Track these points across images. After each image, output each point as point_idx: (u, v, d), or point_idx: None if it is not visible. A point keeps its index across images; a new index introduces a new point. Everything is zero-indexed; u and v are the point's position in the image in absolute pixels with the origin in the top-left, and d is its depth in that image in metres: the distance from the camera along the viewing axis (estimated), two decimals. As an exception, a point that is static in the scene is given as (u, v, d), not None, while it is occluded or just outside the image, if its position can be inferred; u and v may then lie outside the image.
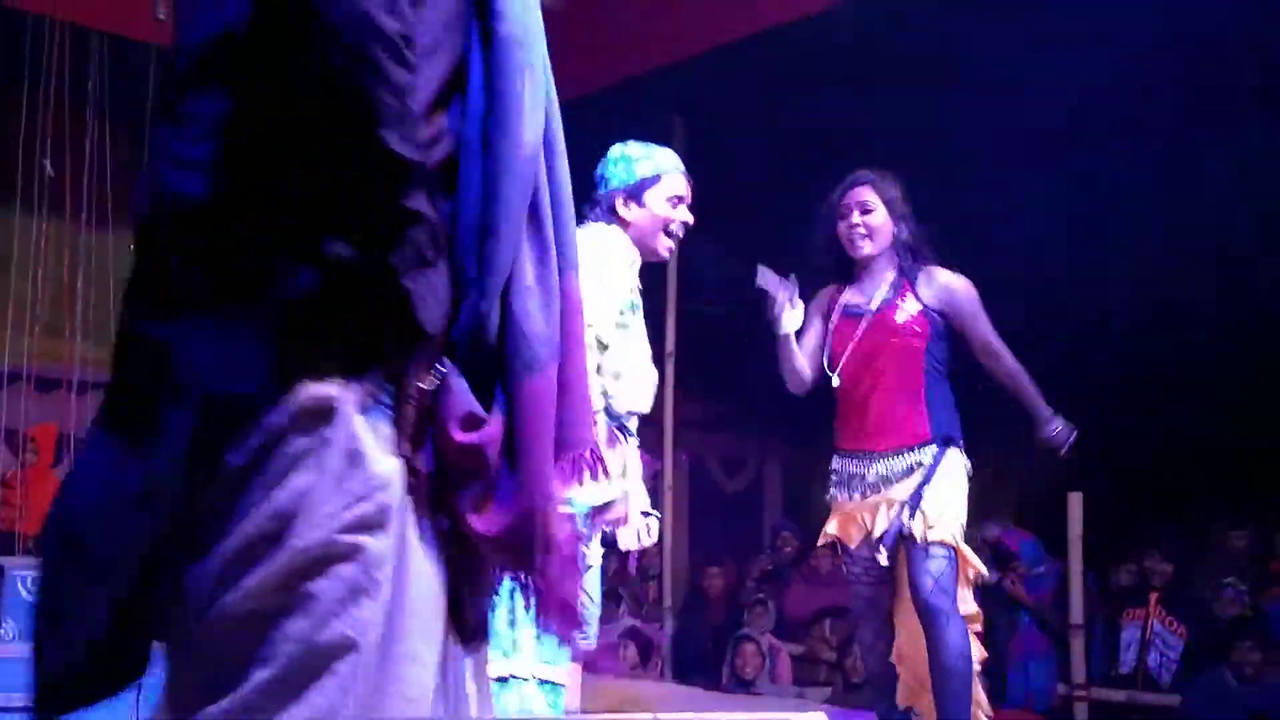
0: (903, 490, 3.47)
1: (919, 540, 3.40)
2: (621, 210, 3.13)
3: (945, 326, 3.59)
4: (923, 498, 3.42)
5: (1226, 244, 5.93)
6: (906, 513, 3.42)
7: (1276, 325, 6.37)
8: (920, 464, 3.47)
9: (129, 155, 5.34)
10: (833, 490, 3.62)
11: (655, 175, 3.15)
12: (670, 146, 5.47)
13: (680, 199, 3.17)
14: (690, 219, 3.20)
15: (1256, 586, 6.08)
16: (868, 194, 3.59)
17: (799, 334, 3.64)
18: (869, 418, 3.54)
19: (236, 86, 1.20)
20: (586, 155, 5.48)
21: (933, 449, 3.48)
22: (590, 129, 5.24)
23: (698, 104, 5.31)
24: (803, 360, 3.63)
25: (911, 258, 3.63)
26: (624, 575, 8.01)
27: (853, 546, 3.58)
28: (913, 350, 3.54)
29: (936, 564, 3.38)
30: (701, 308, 6.64)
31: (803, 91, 4.98)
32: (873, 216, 3.59)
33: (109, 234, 5.43)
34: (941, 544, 3.40)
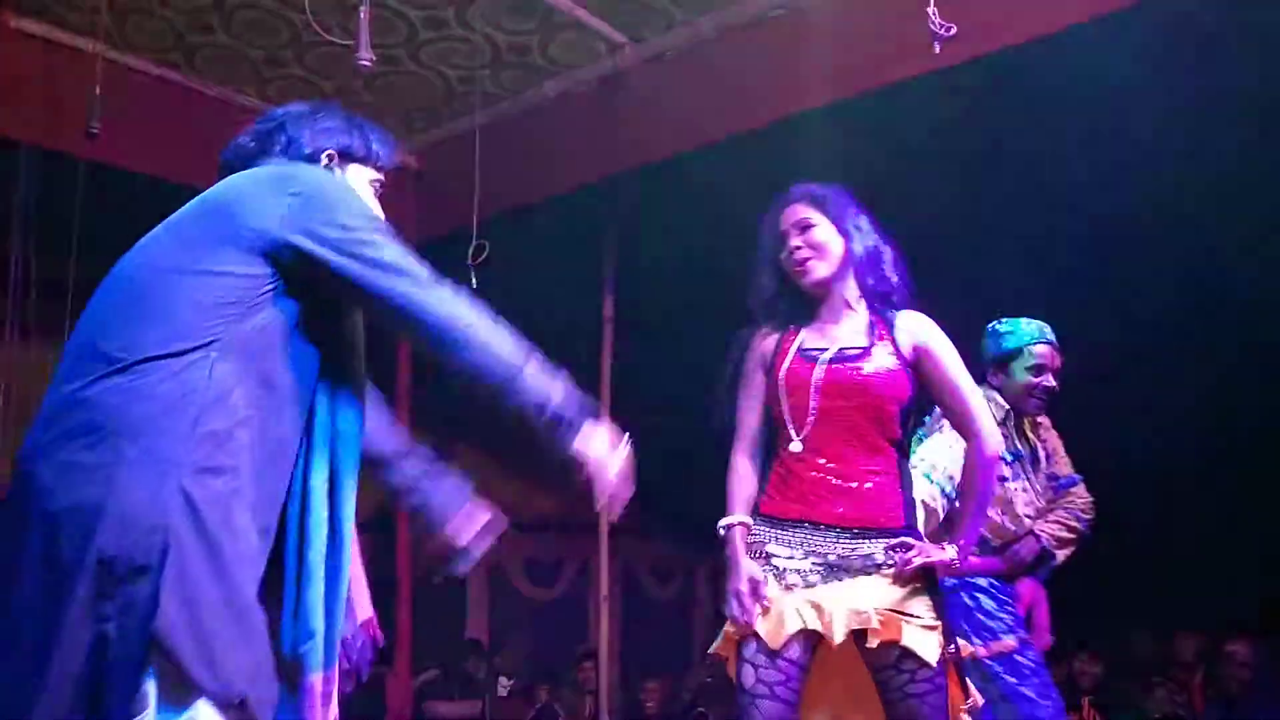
0: (875, 590, 2.67)
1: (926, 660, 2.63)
2: (991, 378, 3.72)
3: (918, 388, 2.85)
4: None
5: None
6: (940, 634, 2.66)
7: (1196, 447, 6.59)
8: (880, 560, 2.70)
9: (54, 272, 5.30)
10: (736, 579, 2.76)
11: (1018, 348, 3.71)
12: (603, 257, 5.54)
13: (1042, 368, 3.69)
14: (1051, 384, 3.70)
15: (1179, 687, 6.21)
16: (804, 209, 2.91)
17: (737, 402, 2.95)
18: (830, 485, 2.75)
19: None
20: (530, 262, 5.57)
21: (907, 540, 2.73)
22: (530, 237, 5.36)
23: (631, 216, 5.42)
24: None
25: (882, 292, 2.90)
26: (558, 691, 7.91)
27: (777, 648, 2.67)
28: (886, 415, 2.78)
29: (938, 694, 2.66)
30: (635, 417, 6.66)
31: (736, 205, 5.09)
32: (816, 232, 2.88)
33: (28, 352, 5.34)
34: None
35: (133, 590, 1.72)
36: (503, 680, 8.22)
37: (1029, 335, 3.75)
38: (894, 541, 2.71)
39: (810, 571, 2.72)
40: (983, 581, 3.67)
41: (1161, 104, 4.57)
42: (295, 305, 1.99)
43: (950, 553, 2.73)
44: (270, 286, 1.96)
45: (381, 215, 2.21)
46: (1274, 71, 4.37)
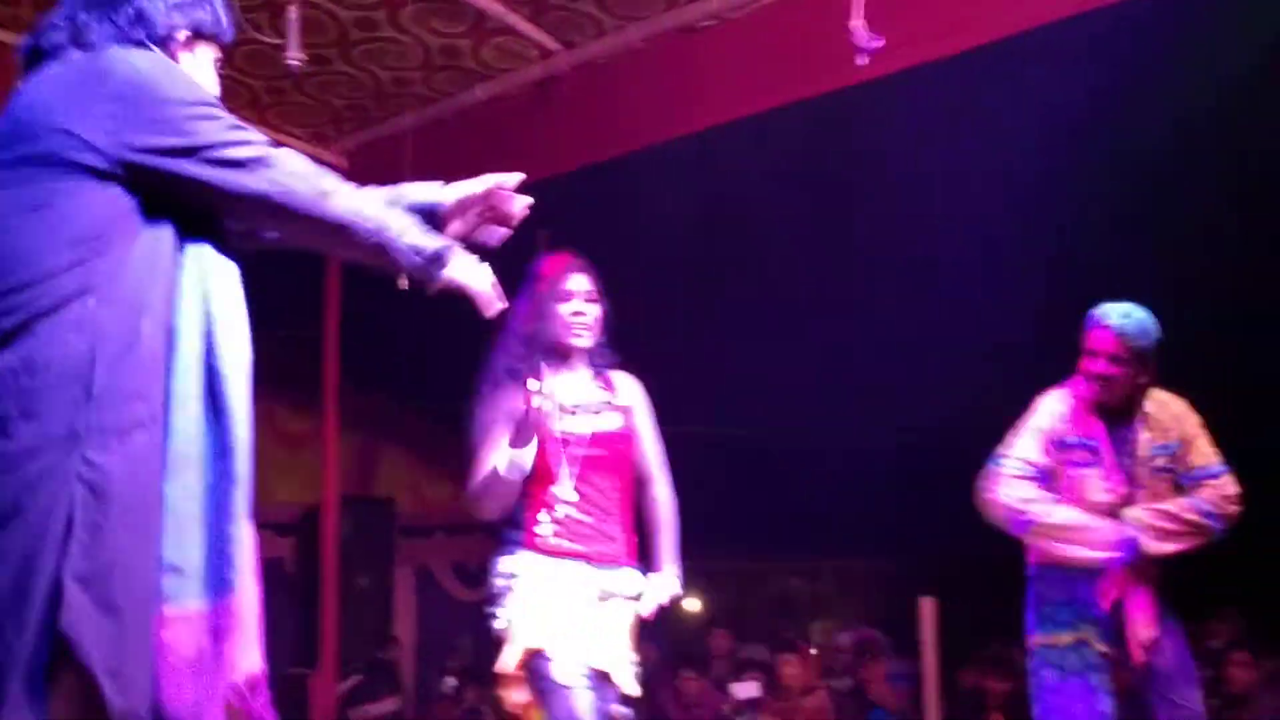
0: (618, 617, 3.15)
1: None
2: None
3: None
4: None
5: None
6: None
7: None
8: (623, 593, 3.17)
9: None
10: (519, 604, 3.09)
11: (1085, 330, 3.55)
12: (534, 257, 5.56)
13: (1091, 352, 3.50)
14: (1096, 369, 3.48)
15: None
16: (590, 280, 3.26)
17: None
18: (594, 528, 3.15)
19: None
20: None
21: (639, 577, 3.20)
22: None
23: (561, 221, 5.44)
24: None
25: (607, 354, 3.31)
26: (486, 693, 7.88)
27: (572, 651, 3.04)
28: (628, 464, 3.25)
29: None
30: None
31: (666, 211, 5.15)
32: (597, 307, 3.25)
33: None
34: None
35: (34, 588, 1.57)
36: (448, 680, 8.21)
37: (1091, 318, 3.56)
38: (636, 587, 3.17)
39: (582, 600, 3.08)
40: (1057, 571, 3.51)
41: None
42: (160, 221, 1.78)
43: (673, 583, 3.21)
44: (126, 206, 1.75)
45: (217, 95, 1.96)
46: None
